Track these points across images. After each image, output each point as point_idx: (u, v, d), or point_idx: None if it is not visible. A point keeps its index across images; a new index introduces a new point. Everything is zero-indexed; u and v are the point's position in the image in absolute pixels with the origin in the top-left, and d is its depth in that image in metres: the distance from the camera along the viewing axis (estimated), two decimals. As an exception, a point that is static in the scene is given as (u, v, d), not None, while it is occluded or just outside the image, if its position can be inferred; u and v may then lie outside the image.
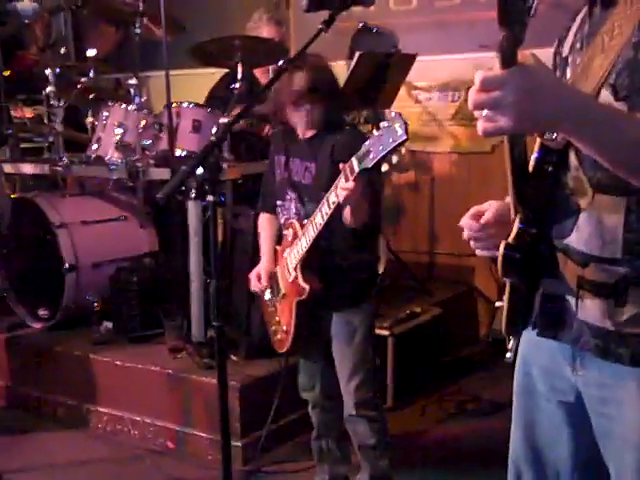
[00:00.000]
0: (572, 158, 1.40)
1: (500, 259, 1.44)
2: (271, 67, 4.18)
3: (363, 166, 2.19)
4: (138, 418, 3.58)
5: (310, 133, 2.64)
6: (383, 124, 2.12)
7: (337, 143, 2.54)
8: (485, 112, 1.16)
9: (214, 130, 3.77)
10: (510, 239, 1.43)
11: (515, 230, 1.43)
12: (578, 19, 1.51)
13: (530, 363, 1.62)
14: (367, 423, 2.71)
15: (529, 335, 1.56)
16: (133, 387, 3.61)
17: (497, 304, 1.60)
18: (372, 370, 2.75)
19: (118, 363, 3.64)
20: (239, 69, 3.72)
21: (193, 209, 3.60)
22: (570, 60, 1.47)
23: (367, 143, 2.16)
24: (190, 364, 3.50)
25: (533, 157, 1.41)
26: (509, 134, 1.28)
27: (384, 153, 2.12)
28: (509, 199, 1.44)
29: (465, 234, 1.54)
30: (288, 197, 2.68)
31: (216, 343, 1.98)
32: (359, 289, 2.72)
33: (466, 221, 1.53)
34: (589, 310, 1.41)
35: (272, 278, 2.74)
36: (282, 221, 2.72)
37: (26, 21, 2.45)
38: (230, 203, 3.74)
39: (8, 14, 2.34)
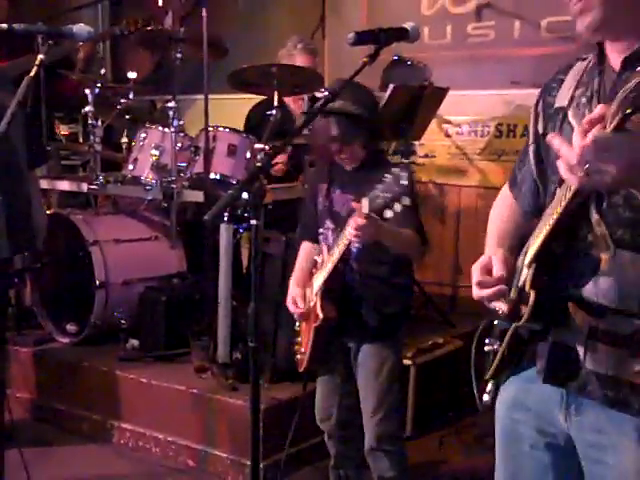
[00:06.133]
0: (593, 213, 1.43)
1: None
2: (306, 95, 4.26)
3: (371, 208, 2.19)
4: (161, 436, 3.62)
5: (354, 166, 2.68)
6: (394, 170, 2.14)
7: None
8: (591, 166, 1.23)
9: (248, 155, 3.85)
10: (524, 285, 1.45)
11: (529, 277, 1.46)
12: (574, 72, 1.57)
13: (516, 408, 1.64)
14: (388, 456, 2.72)
15: (516, 380, 1.59)
16: (157, 405, 3.65)
17: (487, 348, 1.61)
18: (396, 404, 2.75)
19: (143, 380, 3.69)
20: (275, 96, 3.79)
21: (225, 232, 3.66)
22: (571, 114, 1.51)
23: (378, 187, 2.16)
24: (215, 384, 3.54)
25: None
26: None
27: (387, 199, 2.12)
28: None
29: (479, 291, 1.56)
30: (327, 226, 2.72)
31: (251, 362, 2.03)
32: (390, 323, 2.72)
33: (482, 278, 1.55)
34: (600, 360, 1.43)
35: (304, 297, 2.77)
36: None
37: (80, 43, 2.54)
38: (261, 227, 3.79)
39: (64, 36, 2.41)
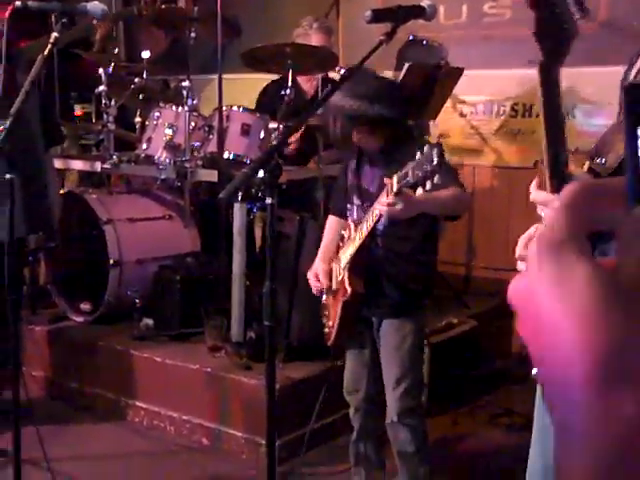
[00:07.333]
0: None
1: None
2: (319, 75, 4.24)
3: (401, 186, 2.25)
4: (175, 414, 3.63)
5: (378, 146, 2.67)
6: (425, 149, 2.17)
7: (407, 159, 2.45)
8: None
9: (262, 134, 3.84)
10: None
11: None
12: None
13: None
14: (409, 430, 2.74)
15: None
16: (171, 384, 3.67)
17: None
18: (418, 379, 2.78)
19: (158, 359, 3.70)
20: (289, 76, 3.77)
21: (238, 211, 3.65)
22: None
23: (409, 164, 2.22)
24: (228, 363, 3.56)
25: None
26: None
27: (418, 178, 2.17)
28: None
29: (520, 264, 1.53)
30: (354, 202, 2.74)
31: (267, 341, 2.03)
32: (412, 299, 2.74)
33: (522, 252, 1.49)
34: None
35: (330, 273, 2.79)
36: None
37: (94, 22, 2.53)
38: (276, 206, 3.79)
39: (78, 14, 2.41)
